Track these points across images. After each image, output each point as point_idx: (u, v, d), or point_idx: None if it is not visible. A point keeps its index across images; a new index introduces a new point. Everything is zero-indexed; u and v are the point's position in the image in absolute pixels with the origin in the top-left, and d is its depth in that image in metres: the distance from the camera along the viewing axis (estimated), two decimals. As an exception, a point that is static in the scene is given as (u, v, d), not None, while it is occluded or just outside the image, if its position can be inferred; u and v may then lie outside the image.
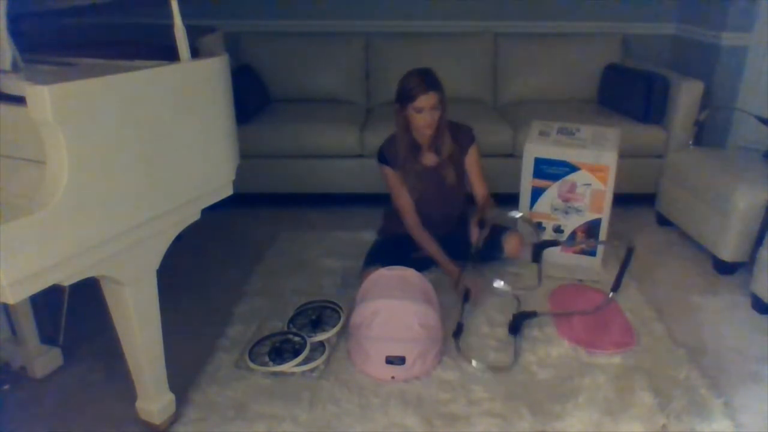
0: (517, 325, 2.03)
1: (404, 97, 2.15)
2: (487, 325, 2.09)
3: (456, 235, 2.33)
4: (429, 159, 2.32)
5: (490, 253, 2.34)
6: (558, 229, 2.51)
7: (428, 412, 1.70)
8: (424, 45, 3.50)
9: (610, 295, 2.22)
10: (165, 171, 1.45)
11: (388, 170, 2.29)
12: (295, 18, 3.62)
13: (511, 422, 1.66)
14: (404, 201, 2.30)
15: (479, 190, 2.38)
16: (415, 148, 2.29)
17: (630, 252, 2.18)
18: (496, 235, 2.31)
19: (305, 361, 1.87)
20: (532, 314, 2.09)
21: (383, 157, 2.29)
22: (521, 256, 2.37)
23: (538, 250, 2.19)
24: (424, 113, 2.14)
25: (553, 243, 2.37)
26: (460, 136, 2.32)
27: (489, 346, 1.99)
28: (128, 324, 1.50)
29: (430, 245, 2.30)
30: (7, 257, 1.10)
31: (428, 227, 2.32)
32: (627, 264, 2.19)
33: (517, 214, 2.39)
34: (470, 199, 2.44)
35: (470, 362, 1.90)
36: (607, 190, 2.40)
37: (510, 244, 2.35)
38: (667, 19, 3.66)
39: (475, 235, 2.18)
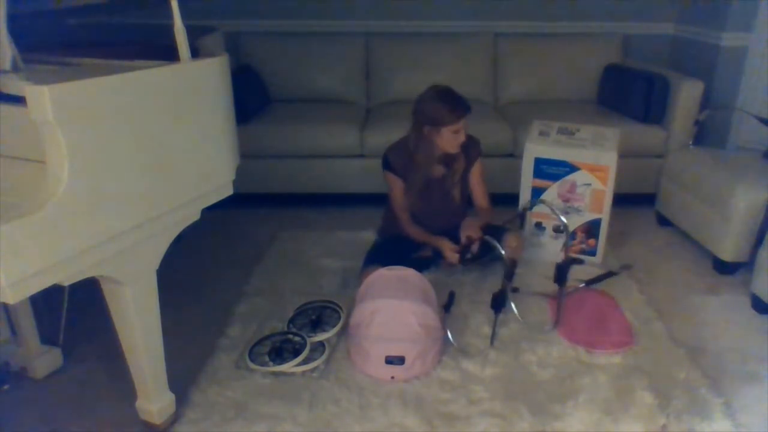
0: (499, 301, 2.02)
1: (442, 119, 2.16)
2: (489, 325, 2.09)
3: (454, 241, 2.33)
4: (437, 170, 2.35)
5: (490, 254, 2.34)
6: (558, 229, 2.51)
7: (428, 412, 1.70)
8: (424, 45, 3.50)
9: (581, 285, 2.30)
10: (165, 171, 1.45)
11: (394, 177, 2.32)
12: (295, 18, 3.62)
13: (511, 422, 1.66)
14: (400, 204, 2.35)
15: (482, 202, 2.43)
16: (431, 161, 2.31)
17: (626, 267, 2.23)
18: (495, 235, 2.31)
19: (305, 361, 1.87)
20: (514, 290, 2.12)
21: (389, 164, 2.31)
22: (521, 256, 2.37)
23: (562, 270, 2.06)
24: (458, 135, 2.19)
25: (579, 261, 2.33)
26: (469, 147, 2.32)
27: (488, 345, 1.99)
28: (128, 324, 1.50)
29: (423, 235, 2.35)
30: (7, 257, 1.10)
31: (431, 229, 2.34)
32: (614, 274, 2.23)
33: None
34: (469, 202, 2.45)
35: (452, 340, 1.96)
36: (607, 190, 2.40)
37: (510, 244, 2.34)
38: (667, 19, 3.66)
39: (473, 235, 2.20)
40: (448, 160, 2.32)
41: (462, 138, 2.22)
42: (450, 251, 2.26)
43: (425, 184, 2.33)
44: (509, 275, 2.04)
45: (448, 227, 2.36)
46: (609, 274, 2.40)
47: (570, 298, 2.15)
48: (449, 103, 2.17)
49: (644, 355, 1.94)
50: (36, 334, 1.83)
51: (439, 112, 2.17)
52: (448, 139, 2.20)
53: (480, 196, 2.43)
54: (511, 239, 2.31)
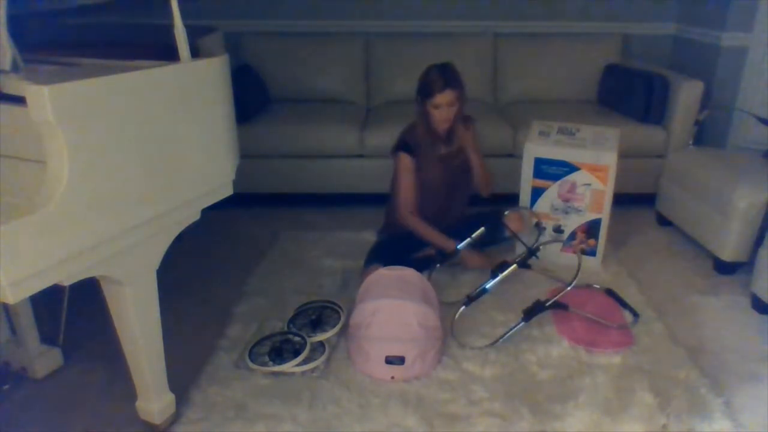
0: (534, 311, 2.04)
1: (424, 92, 2.23)
2: (489, 325, 2.09)
3: (456, 229, 2.35)
4: (444, 149, 2.38)
5: (494, 234, 2.38)
6: (558, 229, 2.51)
7: (428, 412, 1.70)
8: (424, 45, 3.50)
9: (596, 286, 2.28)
10: (165, 171, 1.45)
11: (407, 158, 2.33)
12: (295, 18, 3.62)
13: (511, 422, 1.66)
14: (409, 188, 2.34)
15: (479, 168, 2.43)
16: (434, 138, 2.34)
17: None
18: (497, 215, 2.39)
19: (305, 361, 1.87)
20: (526, 266, 2.18)
21: (405, 145, 2.33)
22: (525, 232, 2.44)
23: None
24: (441, 109, 2.23)
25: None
26: (465, 122, 2.39)
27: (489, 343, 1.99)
28: (128, 324, 1.50)
29: (424, 229, 2.36)
30: (7, 257, 1.10)
31: (433, 219, 2.37)
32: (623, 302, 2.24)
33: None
34: (474, 198, 2.48)
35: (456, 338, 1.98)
36: (607, 190, 2.40)
37: (512, 221, 2.41)
38: (667, 19, 3.66)
39: None
40: (449, 136, 2.36)
41: (444, 114, 2.24)
42: (448, 247, 2.31)
43: (436, 161, 2.35)
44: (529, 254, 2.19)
45: (452, 212, 2.42)
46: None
47: (571, 298, 2.15)
48: (431, 75, 2.22)
49: (644, 355, 1.94)
50: (36, 334, 1.83)
51: (421, 83, 2.24)
52: (432, 114, 2.25)
53: (476, 160, 2.42)
54: (512, 215, 2.42)
